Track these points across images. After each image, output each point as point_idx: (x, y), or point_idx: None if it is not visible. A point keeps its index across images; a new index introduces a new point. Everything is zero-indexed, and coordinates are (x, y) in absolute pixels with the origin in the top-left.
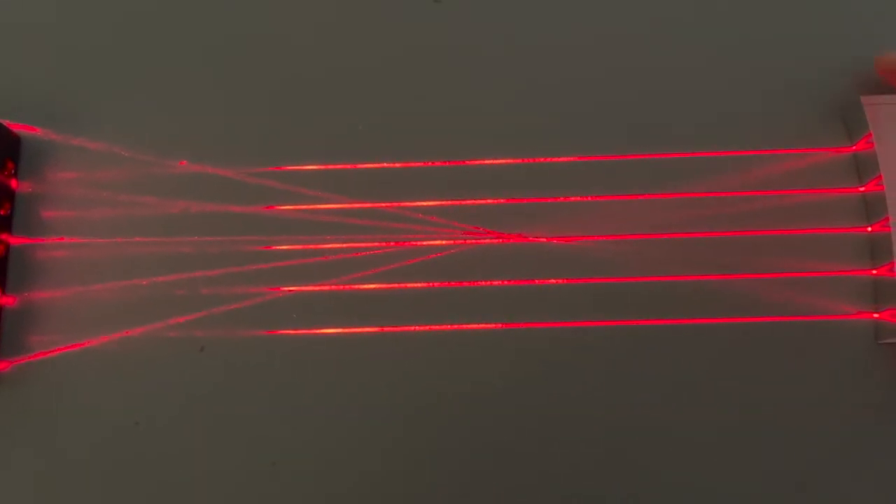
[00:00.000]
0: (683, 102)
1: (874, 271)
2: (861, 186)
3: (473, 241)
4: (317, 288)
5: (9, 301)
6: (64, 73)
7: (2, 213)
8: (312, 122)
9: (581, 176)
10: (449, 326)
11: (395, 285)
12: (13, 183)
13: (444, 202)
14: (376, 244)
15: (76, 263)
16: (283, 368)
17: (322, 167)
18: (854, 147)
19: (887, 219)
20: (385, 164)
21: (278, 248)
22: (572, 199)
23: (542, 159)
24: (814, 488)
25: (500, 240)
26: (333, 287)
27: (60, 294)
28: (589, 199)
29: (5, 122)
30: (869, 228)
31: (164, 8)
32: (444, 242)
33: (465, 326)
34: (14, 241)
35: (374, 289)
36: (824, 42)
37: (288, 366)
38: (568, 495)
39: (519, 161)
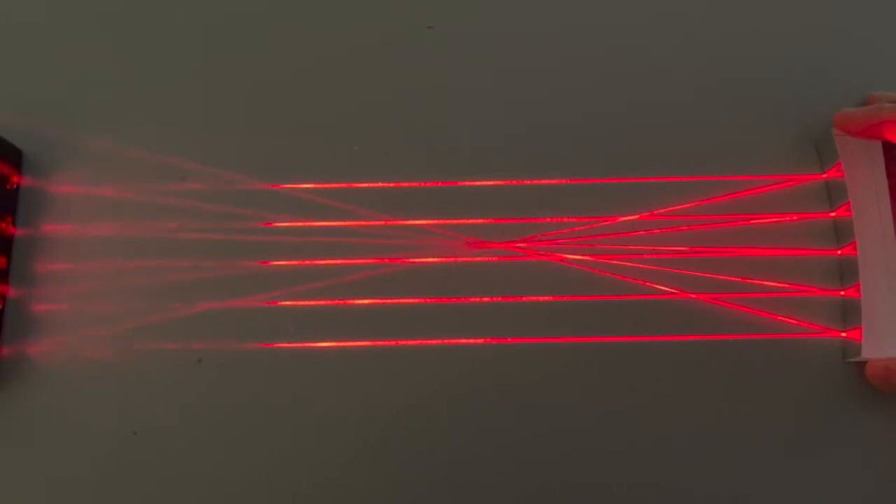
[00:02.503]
0: (674, 132)
1: (842, 292)
2: (832, 212)
3: (465, 258)
4: (312, 303)
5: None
6: (63, 90)
7: (2, 226)
8: (309, 143)
9: (565, 197)
10: (441, 341)
11: (389, 301)
12: (15, 190)
13: (437, 220)
14: (371, 260)
15: (75, 275)
16: (280, 381)
17: (318, 186)
18: (825, 175)
19: (855, 242)
20: (380, 184)
21: (275, 263)
22: (557, 219)
23: (531, 181)
24: (780, 501)
25: (490, 258)
26: (329, 302)
27: (60, 306)
28: (573, 219)
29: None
30: (839, 251)
31: (165, 27)
32: (436, 260)
33: (457, 341)
34: (12, 231)
35: (369, 304)
36: (801, 78)
37: (284, 378)
38: None
39: (509, 183)
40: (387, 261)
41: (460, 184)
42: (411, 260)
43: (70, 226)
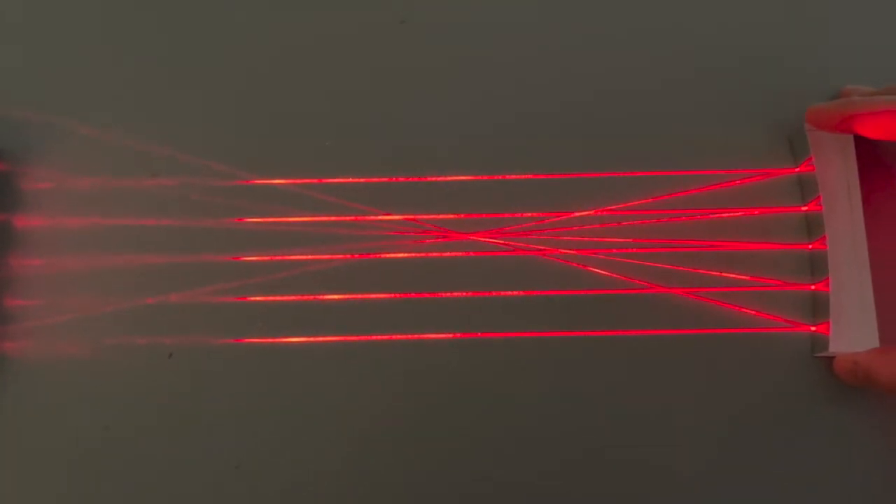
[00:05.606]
0: (647, 125)
1: (812, 286)
2: (804, 206)
3: (435, 253)
4: (284, 298)
5: None
6: (36, 81)
7: None
8: (280, 138)
9: (537, 191)
10: (411, 336)
11: (359, 296)
12: None
13: (407, 216)
14: (341, 255)
15: (48, 269)
16: (250, 375)
17: (290, 181)
18: (798, 169)
19: (825, 237)
20: (351, 179)
21: (247, 258)
22: (528, 213)
23: (502, 176)
24: (746, 495)
25: (461, 252)
26: (299, 297)
27: (31, 302)
28: (542, 214)
29: None
30: (809, 246)
31: (138, 19)
32: (406, 255)
33: (427, 336)
34: None
35: (339, 299)
36: (774, 71)
37: (254, 373)
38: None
39: (479, 178)
40: (357, 256)
41: (432, 179)
42: (382, 255)
43: (43, 219)
